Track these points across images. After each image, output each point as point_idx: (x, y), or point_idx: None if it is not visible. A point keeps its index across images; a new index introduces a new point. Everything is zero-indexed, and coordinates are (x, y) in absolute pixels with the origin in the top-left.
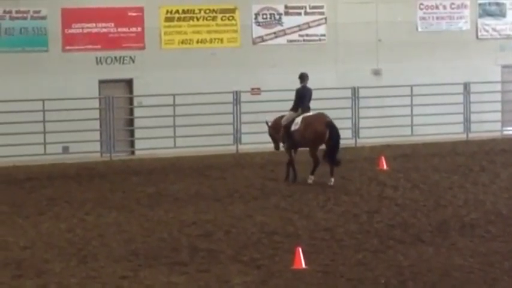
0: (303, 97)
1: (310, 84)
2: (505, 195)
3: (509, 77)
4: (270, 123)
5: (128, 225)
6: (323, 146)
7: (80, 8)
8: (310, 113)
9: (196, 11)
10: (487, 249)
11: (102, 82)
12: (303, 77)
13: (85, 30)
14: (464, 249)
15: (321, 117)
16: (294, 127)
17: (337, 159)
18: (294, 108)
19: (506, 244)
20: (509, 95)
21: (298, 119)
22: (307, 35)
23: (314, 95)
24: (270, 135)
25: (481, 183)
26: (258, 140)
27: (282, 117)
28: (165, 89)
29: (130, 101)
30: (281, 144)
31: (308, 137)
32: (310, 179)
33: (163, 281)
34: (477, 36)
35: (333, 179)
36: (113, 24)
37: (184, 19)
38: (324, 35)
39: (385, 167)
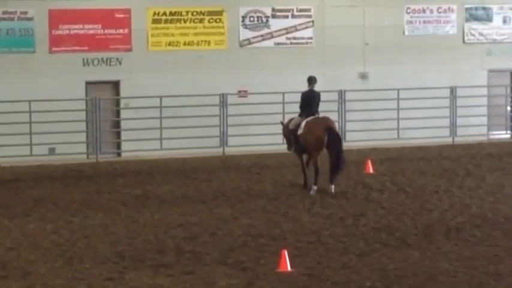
0: (307, 100)
1: (296, 87)
2: (491, 199)
3: (495, 82)
4: (284, 123)
5: (113, 227)
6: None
7: (67, 9)
8: (314, 117)
9: (184, 13)
10: (472, 253)
11: (88, 83)
12: (310, 80)
13: (72, 32)
14: (449, 253)
15: (321, 121)
16: (299, 131)
17: (340, 165)
18: (300, 112)
19: (491, 248)
20: (496, 99)
21: (303, 123)
22: (294, 38)
23: None
24: (284, 135)
25: (466, 187)
26: (244, 143)
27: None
28: (152, 91)
29: (117, 102)
30: None
31: (309, 142)
32: (313, 190)
33: (149, 283)
34: (464, 41)
35: (333, 186)
36: (100, 26)
37: (171, 21)
38: (311, 38)
39: (371, 170)
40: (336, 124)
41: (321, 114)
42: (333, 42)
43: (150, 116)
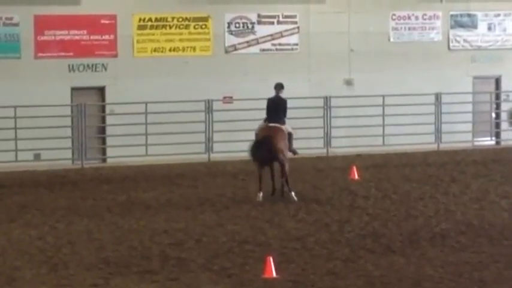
0: (271, 107)
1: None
2: (475, 206)
3: (480, 88)
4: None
5: (98, 233)
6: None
7: (53, 15)
8: (265, 125)
9: (169, 19)
10: (457, 259)
11: (74, 89)
12: (277, 87)
13: (57, 38)
14: (434, 260)
15: (265, 129)
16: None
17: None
18: (265, 118)
19: (476, 255)
20: (480, 106)
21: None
22: (279, 44)
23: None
24: None
25: (451, 194)
26: (229, 149)
27: None
28: (137, 97)
29: (103, 108)
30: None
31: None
32: (292, 196)
33: None
34: (449, 47)
35: (260, 194)
36: (85, 32)
37: (157, 27)
38: (296, 44)
39: (356, 176)
40: (321, 131)
41: (305, 121)
42: (319, 48)
43: (135, 122)
